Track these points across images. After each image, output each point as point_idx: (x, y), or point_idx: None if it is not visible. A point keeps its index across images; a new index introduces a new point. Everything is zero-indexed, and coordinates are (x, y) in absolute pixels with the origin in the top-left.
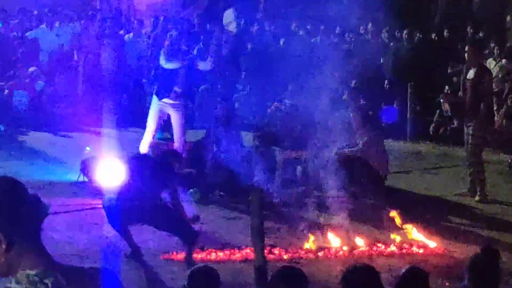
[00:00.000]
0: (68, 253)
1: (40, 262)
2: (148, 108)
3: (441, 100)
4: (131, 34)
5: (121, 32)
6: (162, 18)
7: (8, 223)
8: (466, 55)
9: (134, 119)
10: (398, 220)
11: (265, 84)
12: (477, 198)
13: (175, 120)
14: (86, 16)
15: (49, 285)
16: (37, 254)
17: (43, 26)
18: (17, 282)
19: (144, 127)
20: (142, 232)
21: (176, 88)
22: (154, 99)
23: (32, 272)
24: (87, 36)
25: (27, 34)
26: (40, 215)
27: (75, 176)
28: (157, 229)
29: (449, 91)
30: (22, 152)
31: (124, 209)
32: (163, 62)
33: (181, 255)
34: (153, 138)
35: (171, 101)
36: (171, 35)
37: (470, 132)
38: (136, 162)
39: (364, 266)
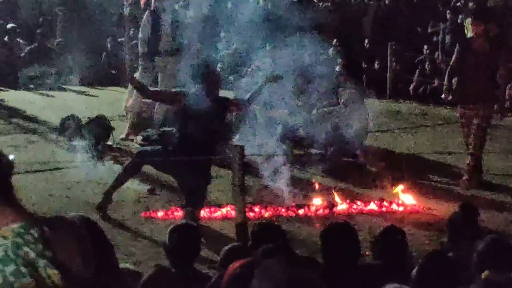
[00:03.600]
0: (48, 211)
1: (19, 217)
2: (129, 67)
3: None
4: None
5: None
6: None
7: None
8: (471, 28)
9: (113, 78)
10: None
11: (244, 43)
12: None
13: (164, 79)
14: None
15: (36, 235)
16: (13, 210)
17: None
18: (4, 237)
19: (121, 85)
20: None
21: (166, 47)
22: (145, 58)
23: (16, 225)
24: None
25: None
26: (4, 169)
27: (54, 135)
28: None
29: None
30: (0, 111)
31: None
32: (148, 20)
33: (161, 213)
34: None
35: (161, 60)
36: None
37: (481, 113)
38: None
39: (342, 224)
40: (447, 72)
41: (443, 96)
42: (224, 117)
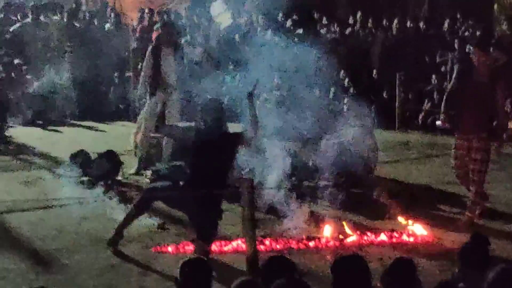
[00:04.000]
0: (57, 247)
1: None
2: (136, 101)
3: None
4: (112, 26)
5: (107, 25)
6: (147, 9)
7: None
8: (473, 56)
9: (122, 112)
10: (388, 210)
11: (252, 75)
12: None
13: (169, 114)
14: (70, 8)
15: None
16: None
17: (28, 20)
18: None
19: (129, 120)
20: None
21: (169, 81)
22: (150, 92)
23: None
24: (73, 29)
25: (11, 29)
26: None
27: (64, 170)
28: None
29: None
30: (9, 147)
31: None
32: (151, 56)
33: (172, 247)
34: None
35: (165, 95)
36: (159, 27)
37: (475, 145)
38: (202, 140)
39: (352, 256)
40: (444, 99)
41: (439, 123)
42: (234, 152)
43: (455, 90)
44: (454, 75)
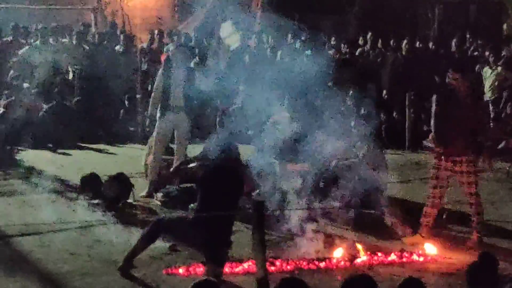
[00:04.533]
0: (69, 270)
1: None
2: (145, 123)
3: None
4: (122, 48)
5: (117, 47)
6: (157, 31)
7: None
8: (453, 81)
9: (132, 135)
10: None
11: (262, 96)
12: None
13: (179, 135)
14: (79, 31)
15: None
16: None
17: (37, 42)
18: None
19: (139, 142)
20: None
21: (178, 103)
22: (160, 114)
23: None
24: (81, 51)
25: (20, 52)
26: None
27: (75, 193)
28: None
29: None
30: (20, 170)
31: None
32: (163, 76)
33: (183, 270)
34: (161, 154)
35: (175, 116)
36: (169, 49)
37: (465, 169)
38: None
39: (361, 276)
40: (432, 123)
41: (432, 145)
42: (242, 189)
43: (439, 114)
44: (434, 98)
